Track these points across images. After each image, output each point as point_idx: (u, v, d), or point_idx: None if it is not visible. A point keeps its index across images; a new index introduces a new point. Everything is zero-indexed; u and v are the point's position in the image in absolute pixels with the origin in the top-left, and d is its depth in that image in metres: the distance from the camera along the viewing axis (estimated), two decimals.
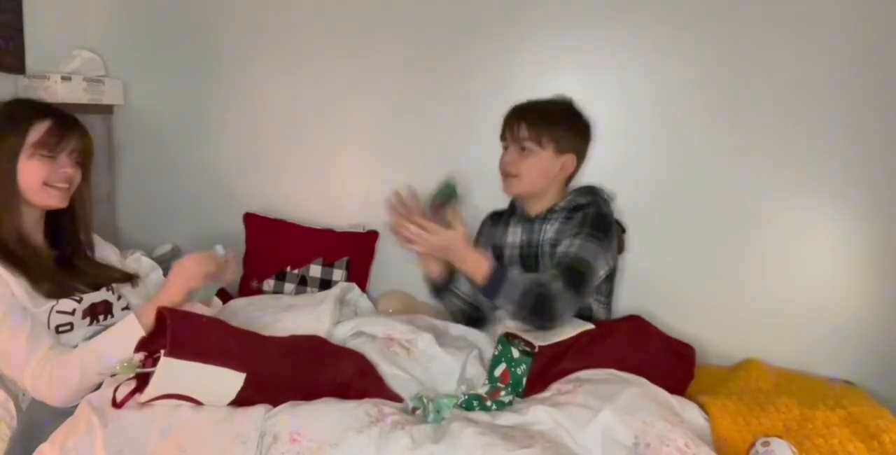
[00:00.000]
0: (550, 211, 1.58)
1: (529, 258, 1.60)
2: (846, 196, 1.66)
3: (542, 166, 1.54)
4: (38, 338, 1.25)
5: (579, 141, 1.59)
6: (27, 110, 1.35)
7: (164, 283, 1.34)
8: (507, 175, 1.58)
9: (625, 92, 1.76)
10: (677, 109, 1.73)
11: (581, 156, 1.60)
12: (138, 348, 1.23)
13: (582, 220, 1.49)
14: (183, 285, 1.31)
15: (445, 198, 1.45)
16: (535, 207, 1.60)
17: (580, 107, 1.61)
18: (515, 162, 1.55)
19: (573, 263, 1.43)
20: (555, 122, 1.54)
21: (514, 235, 1.64)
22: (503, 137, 1.60)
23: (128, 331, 1.26)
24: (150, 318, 1.26)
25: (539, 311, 1.37)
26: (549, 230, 1.57)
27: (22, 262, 1.30)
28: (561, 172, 1.56)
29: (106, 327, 1.36)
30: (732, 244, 1.74)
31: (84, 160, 1.40)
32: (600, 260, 1.47)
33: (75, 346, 1.30)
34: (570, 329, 1.42)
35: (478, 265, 1.38)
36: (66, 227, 1.45)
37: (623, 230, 1.71)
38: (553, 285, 1.38)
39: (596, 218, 1.50)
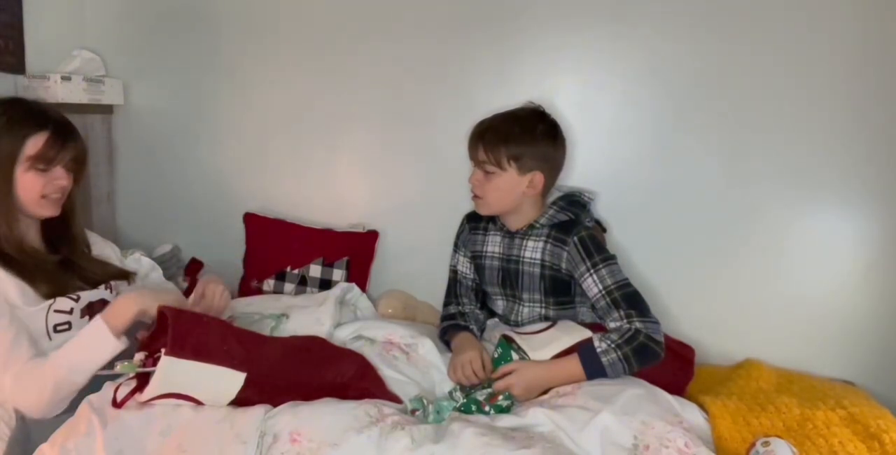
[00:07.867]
0: (530, 227, 1.55)
1: (509, 272, 1.60)
2: (847, 197, 1.66)
3: (506, 187, 1.50)
4: (18, 348, 1.22)
5: (546, 154, 1.52)
6: (25, 118, 1.32)
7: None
8: (474, 196, 1.56)
9: (625, 92, 1.76)
10: (677, 109, 1.73)
11: (552, 167, 1.54)
12: (139, 348, 1.23)
13: (583, 252, 1.47)
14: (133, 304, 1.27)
15: (503, 359, 1.45)
16: (514, 223, 1.58)
17: (546, 114, 1.56)
18: (480, 184, 1.53)
19: (617, 292, 1.42)
20: (514, 141, 1.48)
21: (493, 245, 1.63)
22: (470, 157, 1.57)
23: (95, 336, 1.24)
24: (118, 319, 1.24)
25: (647, 357, 1.36)
26: (530, 247, 1.55)
27: (22, 267, 1.29)
28: (530, 189, 1.51)
29: None
30: (732, 245, 1.73)
31: (77, 167, 1.38)
32: (622, 270, 1.48)
33: None
34: (569, 339, 1.42)
35: (568, 371, 1.36)
36: (61, 227, 1.44)
37: (604, 230, 1.71)
38: (630, 327, 1.37)
39: (590, 242, 1.48)
